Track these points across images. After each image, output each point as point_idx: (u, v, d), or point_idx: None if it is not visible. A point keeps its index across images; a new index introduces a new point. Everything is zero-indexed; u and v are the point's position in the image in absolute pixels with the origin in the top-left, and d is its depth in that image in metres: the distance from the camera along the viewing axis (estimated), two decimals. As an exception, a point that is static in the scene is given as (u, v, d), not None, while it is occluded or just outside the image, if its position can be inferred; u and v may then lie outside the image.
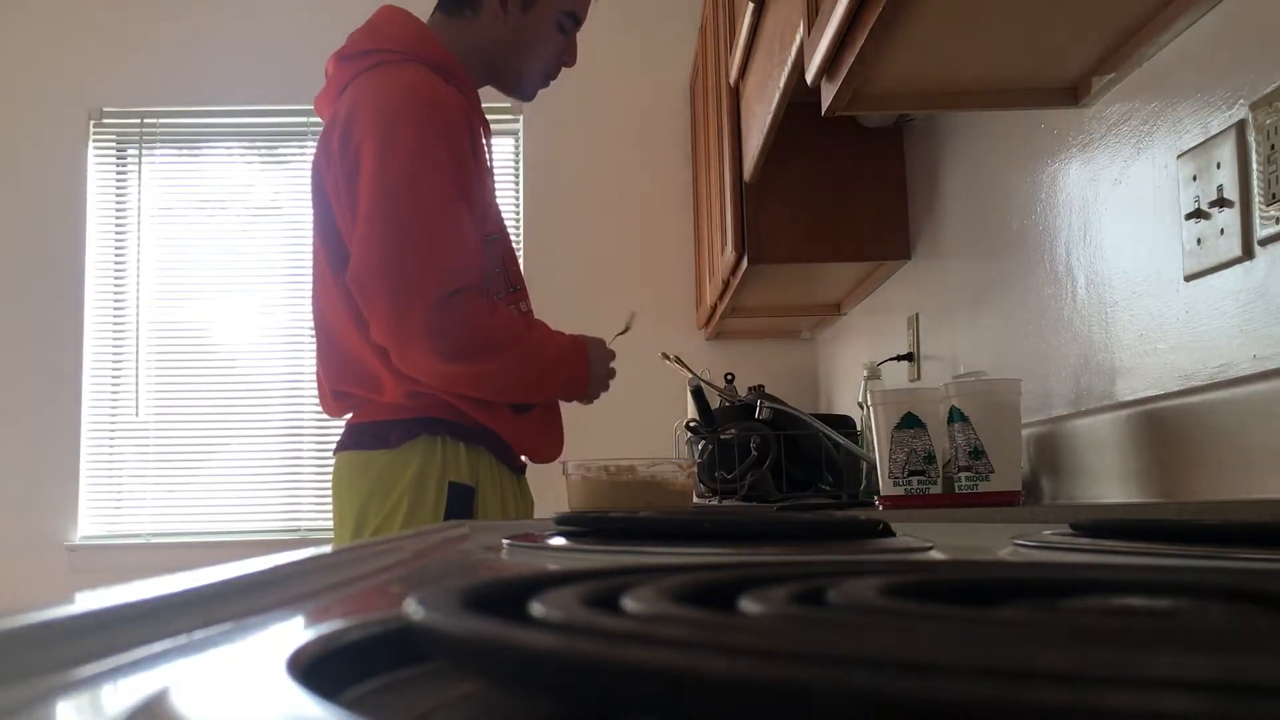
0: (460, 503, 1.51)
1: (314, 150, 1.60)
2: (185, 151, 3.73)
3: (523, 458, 1.66)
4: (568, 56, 1.69)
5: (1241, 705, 0.13)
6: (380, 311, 1.45)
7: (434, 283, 1.42)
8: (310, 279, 1.64)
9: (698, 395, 2.09)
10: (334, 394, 1.59)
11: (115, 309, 3.66)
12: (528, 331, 1.54)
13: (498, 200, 1.70)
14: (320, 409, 1.70)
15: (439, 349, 1.43)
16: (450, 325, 1.43)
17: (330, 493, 1.64)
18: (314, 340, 1.64)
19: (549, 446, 1.67)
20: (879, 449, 1.52)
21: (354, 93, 1.51)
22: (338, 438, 1.61)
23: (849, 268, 2.47)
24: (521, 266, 3.93)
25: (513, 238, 3.60)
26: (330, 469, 1.65)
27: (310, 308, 1.65)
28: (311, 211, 1.62)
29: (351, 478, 1.55)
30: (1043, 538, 0.68)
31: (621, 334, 1.73)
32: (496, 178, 4.06)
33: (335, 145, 1.50)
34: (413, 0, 1.72)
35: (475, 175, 1.53)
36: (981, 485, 1.39)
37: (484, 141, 1.62)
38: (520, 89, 1.69)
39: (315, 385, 1.68)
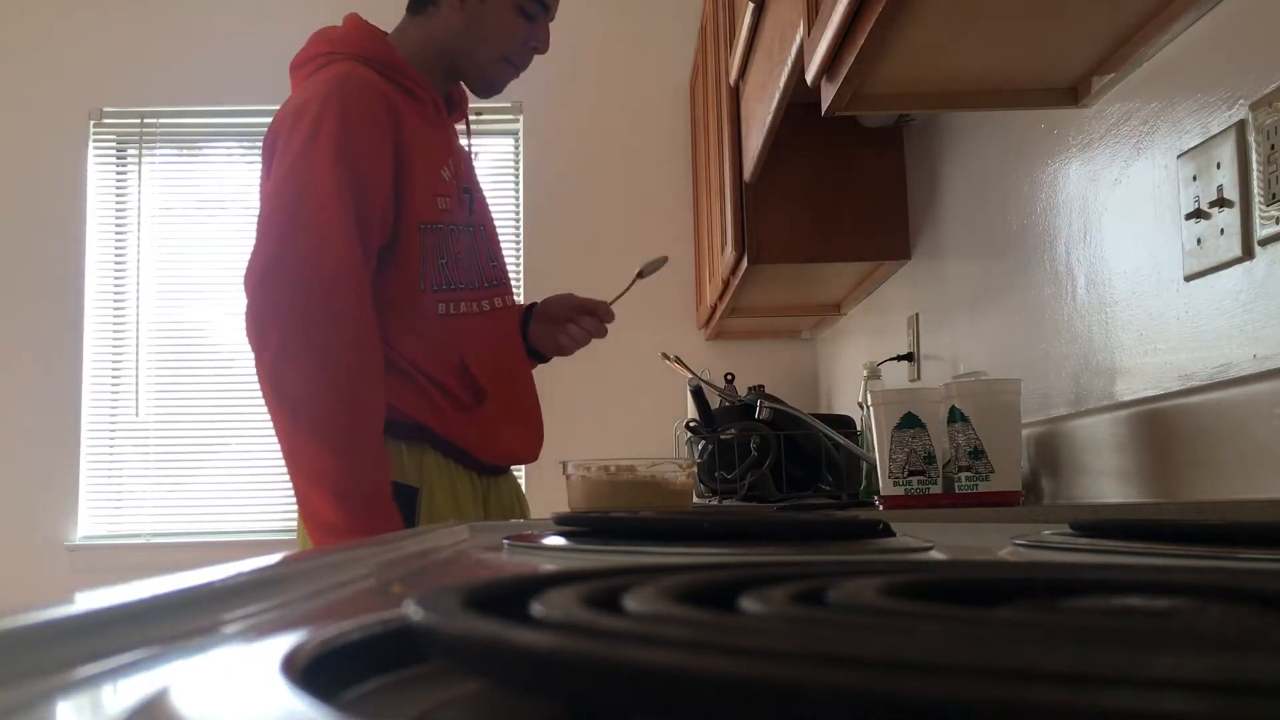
0: (401, 503, 1.45)
1: None
2: (185, 151, 3.73)
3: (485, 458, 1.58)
4: (537, 42, 1.62)
5: (1241, 705, 0.13)
6: (246, 317, 1.44)
7: (296, 301, 1.40)
8: None
9: (698, 395, 2.09)
10: None
11: (115, 309, 3.66)
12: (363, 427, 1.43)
13: (478, 189, 1.66)
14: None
15: (272, 389, 1.40)
16: (291, 370, 1.39)
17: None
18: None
19: (509, 446, 1.61)
20: (879, 449, 1.52)
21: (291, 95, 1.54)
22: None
23: (849, 268, 2.47)
24: (521, 266, 3.89)
25: (513, 237, 3.61)
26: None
27: None
28: None
29: None
30: (1043, 538, 0.68)
31: (631, 285, 1.73)
32: (496, 177, 4.02)
33: (263, 147, 1.53)
34: (387, 4, 1.73)
35: (396, 160, 1.48)
36: (981, 485, 1.39)
37: (443, 132, 1.60)
38: (481, 80, 1.63)
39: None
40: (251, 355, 1.42)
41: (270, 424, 1.45)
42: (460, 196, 1.59)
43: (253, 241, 1.45)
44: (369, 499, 1.41)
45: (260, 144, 1.56)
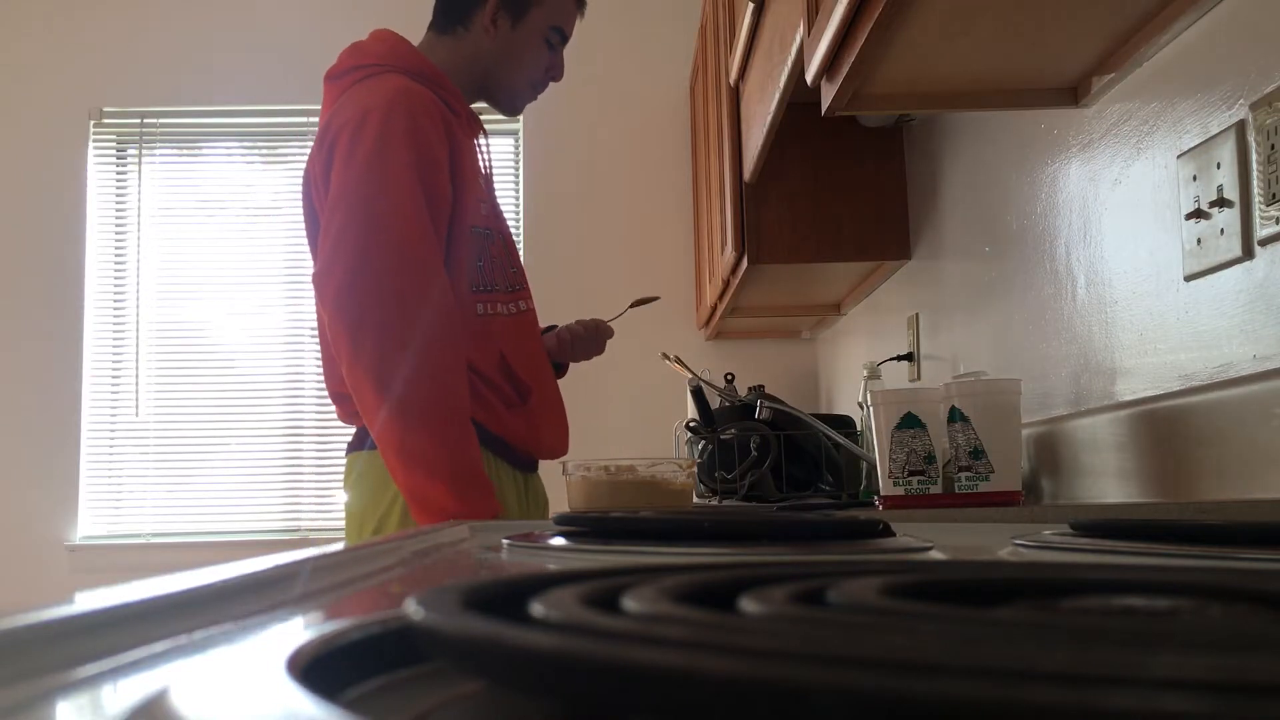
0: None
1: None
2: (185, 151, 3.73)
3: (529, 454, 1.65)
4: (555, 71, 1.73)
5: (1241, 705, 0.13)
6: (329, 320, 1.47)
7: (387, 298, 1.43)
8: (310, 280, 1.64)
9: (698, 395, 2.09)
10: (336, 396, 1.60)
11: (115, 309, 3.66)
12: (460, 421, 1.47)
13: (496, 199, 1.73)
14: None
15: (374, 387, 1.43)
16: (396, 367, 1.42)
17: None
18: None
19: (550, 442, 1.67)
20: (879, 449, 1.52)
21: (338, 104, 1.58)
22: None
23: (849, 268, 2.47)
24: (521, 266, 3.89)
25: (513, 237, 3.61)
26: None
27: (311, 309, 1.66)
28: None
29: (356, 477, 1.58)
30: (1043, 538, 0.68)
31: (621, 314, 1.86)
32: (496, 177, 4.04)
33: (317, 150, 1.57)
34: (409, 21, 1.78)
35: (451, 167, 1.55)
36: (981, 485, 1.39)
37: (476, 141, 1.67)
38: (509, 102, 1.73)
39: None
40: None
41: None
42: (490, 203, 1.68)
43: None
44: (476, 480, 1.45)
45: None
